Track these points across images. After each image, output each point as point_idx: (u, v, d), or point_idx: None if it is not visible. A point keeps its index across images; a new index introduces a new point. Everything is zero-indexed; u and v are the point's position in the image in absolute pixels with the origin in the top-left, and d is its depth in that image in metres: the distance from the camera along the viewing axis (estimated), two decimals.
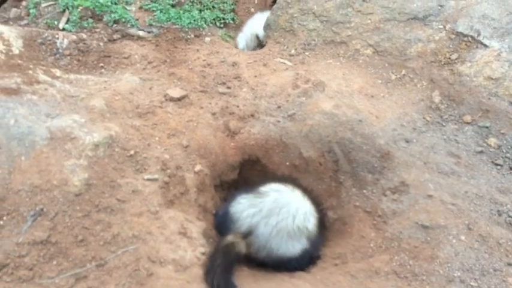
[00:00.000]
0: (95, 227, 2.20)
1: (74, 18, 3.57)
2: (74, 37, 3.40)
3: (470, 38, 3.31)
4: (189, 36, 3.79)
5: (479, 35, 3.30)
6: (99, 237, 2.18)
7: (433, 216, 2.66)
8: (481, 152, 2.99)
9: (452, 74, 3.26)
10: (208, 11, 4.13)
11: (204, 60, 3.54)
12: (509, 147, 3.00)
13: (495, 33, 3.30)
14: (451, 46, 3.33)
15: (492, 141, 3.02)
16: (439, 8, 3.46)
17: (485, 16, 3.36)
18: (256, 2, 4.56)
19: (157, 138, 2.70)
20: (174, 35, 3.76)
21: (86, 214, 2.23)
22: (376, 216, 2.79)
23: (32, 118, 2.37)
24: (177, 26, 3.81)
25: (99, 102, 2.66)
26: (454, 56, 3.29)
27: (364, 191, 2.92)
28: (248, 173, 3.06)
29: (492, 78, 3.17)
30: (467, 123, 3.12)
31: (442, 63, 3.31)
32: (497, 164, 2.95)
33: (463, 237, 2.57)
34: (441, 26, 3.40)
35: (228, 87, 3.29)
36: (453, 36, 3.35)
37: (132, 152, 2.53)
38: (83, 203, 2.24)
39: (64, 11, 3.64)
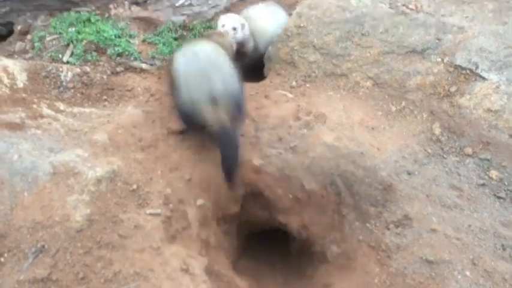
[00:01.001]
0: (96, 264, 2.18)
1: (78, 51, 3.63)
2: (78, 70, 3.44)
3: (468, 71, 3.35)
4: None
5: (477, 68, 3.34)
6: (100, 275, 2.15)
7: (438, 250, 2.64)
8: (483, 184, 2.99)
9: (452, 106, 3.29)
10: None
11: None
12: (511, 180, 3.00)
13: (493, 66, 3.35)
14: (449, 79, 3.38)
15: (494, 173, 3.02)
16: (437, 41, 3.53)
17: (483, 49, 3.42)
18: None
19: (159, 172, 2.70)
20: None
21: (87, 251, 2.21)
22: (380, 251, 2.76)
23: (36, 153, 2.38)
24: None
25: (102, 136, 2.67)
26: (453, 89, 3.33)
27: (368, 225, 2.90)
28: (250, 206, 3.05)
29: (492, 111, 3.19)
30: (469, 155, 3.13)
31: (442, 95, 3.34)
32: (499, 197, 2.94)
33: (468, 273, 2.54)
34: (439, 59, 3.45)
35: None
36: (451, 69, 3.40)
37: (134, 186, 2.53)
38: (84, 239, 2.23)
39: (68, 44, 3.70)
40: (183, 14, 4.32)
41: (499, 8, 3.81)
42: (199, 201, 2.73)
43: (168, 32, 4.10)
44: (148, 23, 4.15)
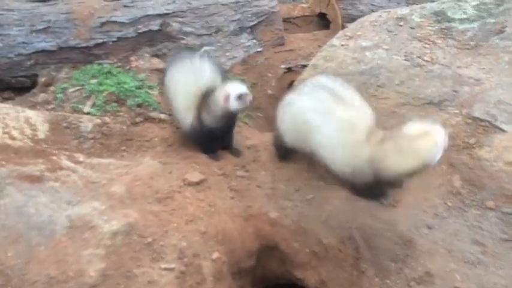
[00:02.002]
0: None
1: (99, 102, 3.73)
2: (98, 121, 3.52)
3: (487, 123, 3.32)
4: None
5: (496, 120, 3.32)
6: None
7: None
8: (507, 240, 2.88)
9: (472, 158, 3.24)
10: None
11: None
12: None
13: (511, 118, 3.32)
14: (468, 131, 3.34)
15: None
16: (454, 93, 3.53)
17: (501, 101, 3.40)
18: (273, 84, 4.73)
19: (175, 225, 2.68)
20: None
21: None
22: None
23: (53, 206, 2.40)
24: None
25: (119, 188, 2.69)
26: (472, 141, 3.29)
27: (388, 281, 2.80)
28: (266, 259, 2.99)
29: None
30: (491, 209, 3.04)
31: (461, 147, 3.30)
32: None
33: None
34: (457, 111, 3.44)
35: (247, 171, 3.31)
36: (470, 121, 3.38)
37: (149, 240, 2.51)
38: None
39: (89, 95, 3.81)
40: None
41: None
42: (215, 255, 2.68)
43: None
44: None
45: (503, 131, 3.28)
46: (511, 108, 3.38)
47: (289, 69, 4.76)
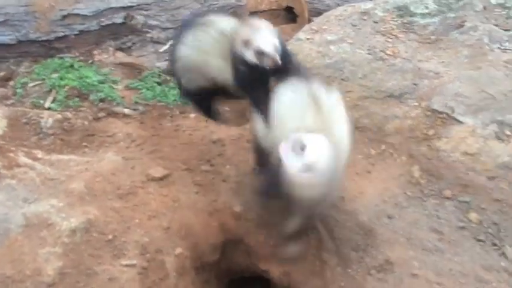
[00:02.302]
0: None
1: (60, 97, 3.65)
2: (59, 116, 3.45)
3: (445, 115, 3.42)
4: (174, 113, 3.86)
5: (453, 112, 3.42)
6: None
7: None
8: (463, 227, 2.99)
9: (430, 149, 3.33)
10: None
11: (188, 137, 3.59)
12: (490, 222, 3.01)
13: (468, 110, 3.42)
14: (427, 122, 3.44)
15: (473, 216, 3.03)
16: (414, 86, 3.62)
17: (458, 94, 3.51)
18: None
19: (137, 221, 2.66)
20: (159, 112, 3.84)
21: None
22: None
23: (9, 204, 2.35)
24: (162, 103, 3.90)
25: (79, 184, 2.65)
26: (430, 132, 3.39)
27: (349, 270, 2.86)
28: (231, 253, 3.00)
29: (469, 154, 3.24)
30: (448, 198, 3.14)
31: (420, 138, 3.39)
32: (479, 240, 2.93)
33: None
34: (416, 104, 3.53)
35: (212, 165, 3.31)
36: (429, 113, 3.47)
37: (110, 237, 2.49)
38: None
39: (50, 90, 3.73)
40: (166, 60, 4.39)
41: (473, 54, 3.94)
42: (178, 250, 2.68)
43: (152, 77, 4.16)
44: (132, 69, 4.22)
45: (460, 122, 3.39)
46: (468, 101, 3.49)
47: None
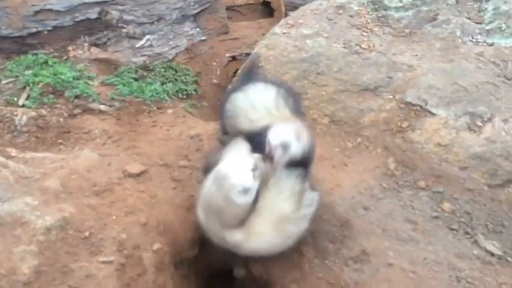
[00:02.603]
0: None
1: (35, 94, 3.59)
2: (33, 113, 3.39)
3: (418, 107, 3.50)
4: (151, 109, 3.85)
5: (426, 104, 3.49)
6: None
7: (394, 285, 2.66)
8: (437, 217, 3.07)
9: (405, 141, 3.40)
10: (171, 83, 4.23)
11: (165, 133, 3.58)
12: (463, 211, 3.09)
13: (441, 102, 3.50)
14: (401, 115, 3.51)
15: (446, 206, 3.11)
16: (388, 79, 3.68)
17: (431, 86, 3.58)
18: (218, 73, 4.73)
19: (114, 217, 2.65)
20: (136, 108, 3.82)
21: None
22: None
23: None
24: (139, 99, 3.88)
25: (54, 182, 2.62)
26: (404, 124, 3.46)
27: (327, 262, 2.90)
28: (210, 248, 3.00)
29: (441, 145, 3.32)
30: (422, 188, 3.22)
31: (394, 131, 3.46)
32: (452, 229, 3.02)
33: None
34: (391, 96, 3.60)
35: (189, 160, 3.31)
36: (403, 105, 3.54)
37: (86, 234, 2.47)
38: None
39: (24, 87, 3.66)
40: (143, 55, 4.37)
41: (445, 47, 4.03)
42: (156, 246, 2.68)
43: (128, 73, 4.13)
44: (107, 65, 4.18)
45: (433, 114, 3.47)
46: (441, 93, 3.57)
47: (233, 58, 4.78)
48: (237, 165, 2.36)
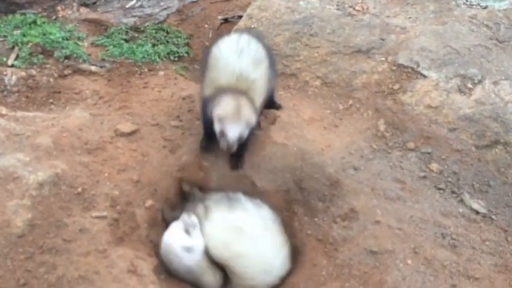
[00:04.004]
0: (39, 270, 2.14)
1: (24, 54, 3.55)
2: (23, 73, 3.36)
3: (410, 69, 3.50)
4: (142, 71, 3.82)
5: (418, 66, 3.50)
6: (43, 280, 2.12)
7: (381, 241, 2.75)
8: (424, 177, 3.13)
9: (396, 103, 3.43)
10: (162, 45, 4.18)
11: (157, 94, 3.56)
12: (450, 172, 3.15)
13: (433, 64, 3.51)
14: (393, 77, 3.51)
15: (434, 166, 3.17)
16: (381, 41, 3.66)
17: (424, 48, 3.58)
18: (210, 36, 4.66)
19: (106, 175, 2.68)
20: (127, 69, 3.79)
21: (29, 256, 2.17)
22: (327, 244, 2.84)
23: None
24: (130, 61, 3.84)
25: (45, 139, 2.63)
26: (396, 87, 3.47)
27: (316, 219, 2.97)
28: None
29: (432, 107, 3.35)
30: (411, 149, 3.26)
31: (386, 93, 3.47)
32: (439, 189, 3.08)
33: (409, 261, 2.66)
34: (383, 58, 3.59)
35: (181, 120, 3.32)
36: (394, 67, 3.54)
37: (79, 190, 2.50)
38: (26, 244, 2.19)
39: (13, 47, 3.61)
40: (133, 16, 4.30)
41: (439, 9, 4.00)
42: (148, 202, 2.73)
43: (119, 34, 4.07)
44: (97, 25, 4.11)
45: (424, 76, 3.48)
46: (433, 55, 3.57)
47: (226, 20, 4.70)
48: (172, 232, 2.62)
